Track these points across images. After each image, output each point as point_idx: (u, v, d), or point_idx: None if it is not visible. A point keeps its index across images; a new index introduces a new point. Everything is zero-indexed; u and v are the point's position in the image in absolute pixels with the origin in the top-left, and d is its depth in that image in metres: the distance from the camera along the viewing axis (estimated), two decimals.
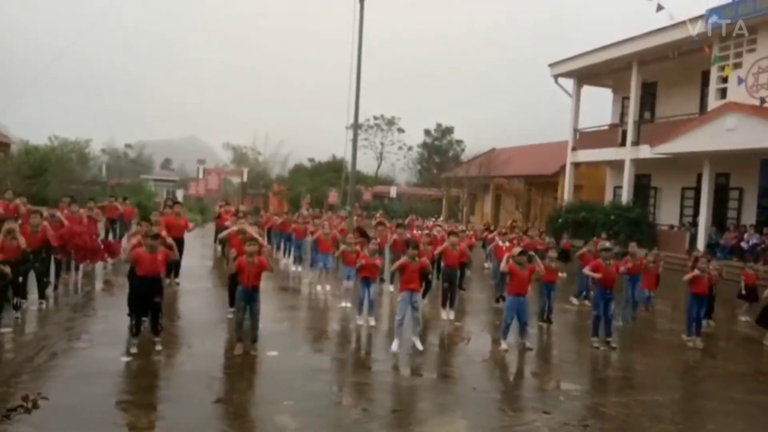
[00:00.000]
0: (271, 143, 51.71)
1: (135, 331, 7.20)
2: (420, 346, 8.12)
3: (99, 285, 11.83)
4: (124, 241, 14.98)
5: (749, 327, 11.23)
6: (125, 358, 6.93)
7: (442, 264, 10.60)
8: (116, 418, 5.39)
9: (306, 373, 6.89)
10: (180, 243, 10.98)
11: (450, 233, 10.99)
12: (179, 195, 38.90)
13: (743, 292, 11.84)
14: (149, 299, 7.24)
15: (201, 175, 35.77)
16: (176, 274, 11.77)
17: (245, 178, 37.50)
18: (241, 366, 7.06)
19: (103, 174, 53.71)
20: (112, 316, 8.79)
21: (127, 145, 75.65)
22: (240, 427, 5.38)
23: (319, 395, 6.22)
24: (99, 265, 12.72)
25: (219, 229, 17.49)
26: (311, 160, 61.74)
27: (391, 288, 12.19)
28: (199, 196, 36.31)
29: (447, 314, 10.12)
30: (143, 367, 6.80)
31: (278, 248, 17.63)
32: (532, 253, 9.38)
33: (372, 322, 9.47)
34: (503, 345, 8.48)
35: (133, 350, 7.04)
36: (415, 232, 15.64)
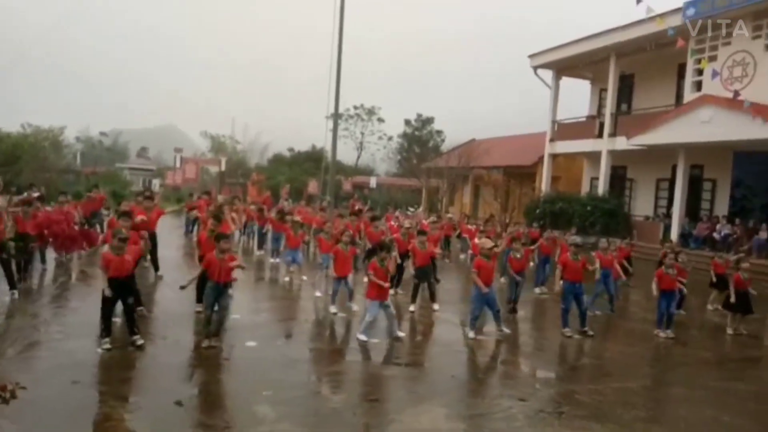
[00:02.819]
0: (250, 132, 51.38)
1: (106, 333, 7.03)
2: (401, 334, 8.19)
3: (74, 275, 11.66)
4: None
5: (718, 315, 11.49)
6: (100, 350, 6.86)
7: (414, 263, 10.60)
8: (92, 410, 5.34)
9: (284, 363, 6.90)
10: (152, 237, 10.88)
11: (419, 232, 10.99)
12: (155, 184, 38.40)
13: (713, 280, 12.11)
14: (123, 300, 7.12)
15: (178, 164, 35.27)
16: (156, 268, 11.66)
17: (223, 168, 37.09)
18: (218, 357, 7.04)
19: (78, 162, 52.75)
20: (87, 307, 8.68)
21: (102, 133, 74.26)
22: (219, 418, 5.37)
23: (297, 385, 6.24)
24: (74, 255, 12.54)
25: (194, 219, 17.32)
26: (291, 149, 61.31)
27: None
28: (176, 185, 35.86)
29: (414, 307, 10.17)
30: (119, 358, 6.74)
31: (251, 238, 17.56)
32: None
33: (355, 308, 9.54)
34: (470, 334, 8.59)
35: (106, 346, 6.93)
36: (392, 223, 15.69)
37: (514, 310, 10.46)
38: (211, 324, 7.39)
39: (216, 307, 7.39)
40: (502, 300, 10.88)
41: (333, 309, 9.53)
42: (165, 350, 7.18)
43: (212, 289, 7.40)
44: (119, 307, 7.27)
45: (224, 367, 6.80)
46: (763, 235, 17.89)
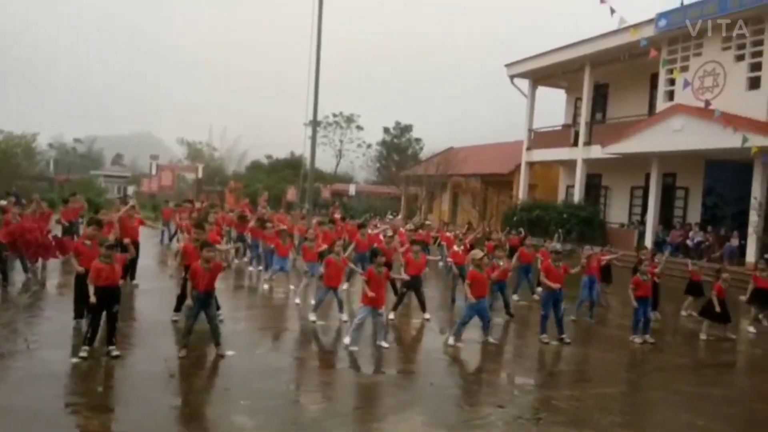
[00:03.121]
0: (228, 139, 51.06)
1: (92, 341, 6.93)
2: (386, 345, 8.18)
3: (48, 284, 11.44)
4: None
5: (692, 321, 11.71)
6: (75, 359, 6.73)
7: (405, 272, 10.57)
8: (67, 421, 5.25)
9: (264, 372, 6.84)
10: (135, 245, 10.76)
11: (412, 242, 11.03)
12: (131, 192, 37.90)
13: (688, 285, 12.36)
14: (108, 309, 7.02)
15: (154, 171, 34.90)
16: (132, 277, 11.50)
17: (200, 175, 36.78)
18: (197, 366, 6.96)
19: (51, 169, 51.86)
20: (60, 316, 8.53)
21: (77, 140, 73.19)
22: (196, 428, 5.31)
23: (277, 394, 6.19)
24: (49, 263, 12.31)
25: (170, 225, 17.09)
26: (269, 156, 61.07)
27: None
28: (152, 192, 35.46)
29: (394, 315, 10.16)
30: (94, 368, 6.62)
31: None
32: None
33: (344, 318, 9.50)
34: (450, 340, 8.62)
35: (83, 354, 6.81)
36: (370, 231, 15.68)
37: (509, 314, 10.65)
38: (211, 334, 7.35)
39: (204, 318, 7.33)
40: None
41: (312, 317, 9.47)
42: (142, 360, 7.07)
43: (197, 299, 7.29)
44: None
45: (201, 376, 6.72)
46: (734, 242, 18.30)
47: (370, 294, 7.98)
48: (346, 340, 8.06)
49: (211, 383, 6.56)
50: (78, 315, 8.07)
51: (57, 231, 13.00)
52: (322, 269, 9.71)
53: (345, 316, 9.56)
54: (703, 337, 10.22)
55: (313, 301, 10.63)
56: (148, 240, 20.03)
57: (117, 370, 6.63)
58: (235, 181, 41.59)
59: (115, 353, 6.95)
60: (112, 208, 15.83)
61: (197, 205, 18.48)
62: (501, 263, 10.36)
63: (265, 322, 9.66)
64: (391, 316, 10.10)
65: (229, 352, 7.42)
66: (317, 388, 6.59)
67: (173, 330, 8.48)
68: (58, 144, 64.25)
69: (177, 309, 8.68)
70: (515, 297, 12.72)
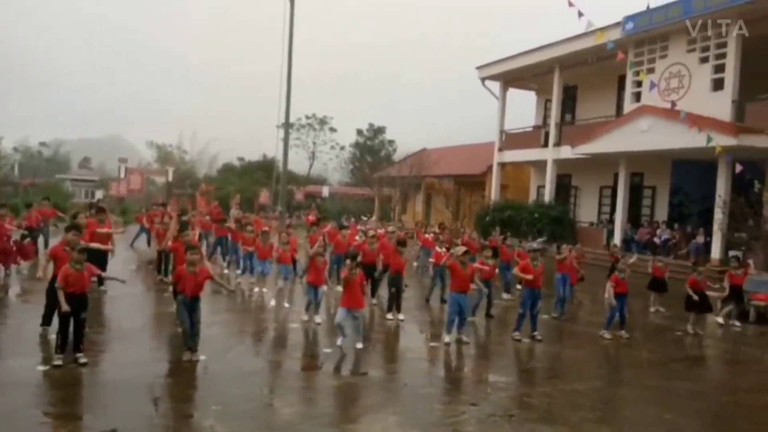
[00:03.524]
0: (199, 142, 50.42)
1: (63, 348, 6.75)
2: (360, 346, 8.18)
3: (12, 291, 11.14)
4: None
5: (660, 317, 11.97)
6: (42, 368, 6.57)
7: (389, 270, 10.63)
8: (35, 430, 5.11)
9: (236, 377, 6.77)
10: (104, 252, 10.56)
11: (398, 242, 11.07)
12: (99, 196, 37.15)
13: (651, 281, 12.68)
14: (76, 316, 6.84)
15: (123, 175, 34.25)
16: (101, 282, 11.26)
17: (170, 178, 36.21)
18: (167, 372, 6.85)
19: (16, 173, 50.51)
20: (26, 323, 8.31)
21: (42, 143, 71.55)
22: None
23: (249, 398, 6.13)
24: (12, 269, 12.00)
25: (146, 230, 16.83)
26: (241, 159, 60.52)
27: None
28: (120, 196, 34.81)
29: (394, 315, 10.20)
30: (62, 376, 6.46)
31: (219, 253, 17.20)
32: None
33: (318, 320, 9.49)
34: (446, 338, 8.71)
35: (57, 362, 6.64)
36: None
37: (489, 316, 10.81)
38: (188, 340, 7.26)
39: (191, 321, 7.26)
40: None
41: (305, 317, 9.55)
42: (113, 366, 6.94)
43: (183, 303, 7.22)
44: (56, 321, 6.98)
45: (173, 382, 6.62)
46: (700, 239, 18.74)
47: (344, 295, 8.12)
48: (339, 341, 8.14)
49: (183, 389, 6.46)
50: (45, 322, 7.88)
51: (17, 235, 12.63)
52: (299, 271, 9.76)
53: (319, 319, 9.55)
54: (690, 330, 10.49)
55: (287, 304, 10.61)
56: (118, 244, 19.70)
57: (85, 378, 6.49)
58: (207, 184, 41.07)
59: (83, 360, 6.80)
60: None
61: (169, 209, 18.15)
62: (490, 262, 10.57)
63: (240, 325, 9.56)
64: (389, 316, 10.12)
65: (201, 357, 7.33)
66: (291, 391, 6.55)
67: (142, 336, 8.35)
68: (23, 148, 62.71)
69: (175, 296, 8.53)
70: (508, 296, 12.85)
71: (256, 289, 12.08)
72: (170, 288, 10.81)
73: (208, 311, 9.98)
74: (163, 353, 7.60)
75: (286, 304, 10.64)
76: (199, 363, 7.14)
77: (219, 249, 15.89)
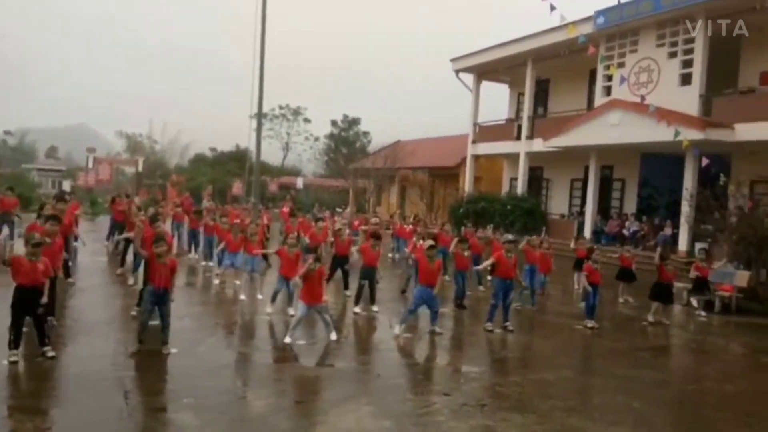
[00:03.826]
0: (170, 131, 49.65)
1: (15, 345, 6.52)
2: (333, 338, 8.16)
3: None
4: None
5: (628, 307, 12.22)
6: (5, 361, 6.42)
7: (362, 262, 10.57)
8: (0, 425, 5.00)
9: (208, 369, 6.71)
10: (66, 243, 10.30)
11: (373, 236, 11.05)
12: (66, 186, 36.30)
13: (619, 271, 12.94)
14: (29, 310, 6.58)
15: (91, 165, 33.48)
16: (68, 274, 11.02)
17: (140, 168, 35.57)
18: (137, 365, 6.76)
19: None
20: None
21: (7, 132, 69.68)
22: (136, 428, 5.16)
23: (222, 391, 6.08)
24: None
25: (118, 223, 16.56)
26: (213, 149, 59.73)
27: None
28: (88, 186, 34.08)
29: (362, 308, 10.18)
30: (27, 370, 6.33)
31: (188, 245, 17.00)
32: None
33: (291, 312, 9.42)
34: (396, 330, 8.73)
35: (13, 359, 6.44)
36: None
37: (462, 306, 10.86)
38: (160, 333, 7.17)
39: (157, 313, 7.17)
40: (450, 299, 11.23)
41: (269, 309, 9.49)
42: (80, 359, 6.82)
43: (151, 294, 7.12)
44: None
45: (144, 375, 6.53)
46: (667, 231, 19.16)
47: (304, 290, 8.03)
48: (287, 338, 7.96)
49: (154, 382, 6.38)
50: None
51: None
52: (263, 264, 9.70)
53: (293, 310, 9.50)
54: (650, 319, 10.74)
55: (260, 296, 10.53)
56: (88, 235, 19.32)
57: (51, 372, 6.36)
58: (178, 175, 40.51)
59: (50, 354, 6.66)
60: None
61: (136, 200, 17.81)
62: (466, 254, 10.69)
63: (212, 318, 9.46)
64: (357, 309, 10.09)
65: (173, 350, 7.24)
66: (264, 383, 6.53)
67: (110, 329, 8.21)
68: None
69: (138, 304, 8.41)
70: (481, 288, 12.96)
71: (237, 282, 11.96)
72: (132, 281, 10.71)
73: (180, 304, 9.89)
74: (133, 346, 7.48)
75: (259, 296, 10.57)
76: (172, 356, 7.07)
77: (190, 240, 15.77)
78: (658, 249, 13.02)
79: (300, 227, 14.50)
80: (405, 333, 8.74)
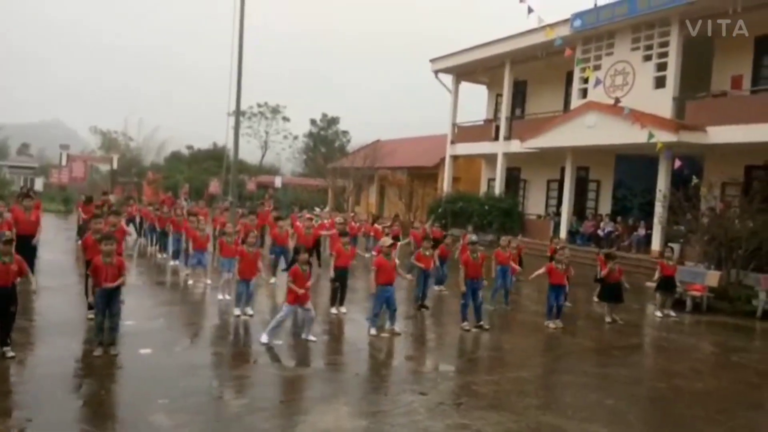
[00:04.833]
0: (146, 128, 49.01)
1: None
2: (313, 339, 8.15)
3: None
4: None
5: (601, 307, 12.37)
6: None
7: (334, 263, 10.49)
8: None
9: (183, 370, 6.65)
10: (30, 239, 10.13)
11: (341, 234, 11.02)
12: (39, 183, 35.62)
13: (598, 276, 13.03)
14: (2, 310, 6.50)
15: (64, 162, 32.92)
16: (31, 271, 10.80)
17: (115, 166, 35.06)
18: (109, 366, 6.65)
19: None
20: None
21: None
22: (109, 429, 5.09)
23: (197, 391, 6.03)
24: None
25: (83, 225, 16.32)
26: (190, 147, 59.11)
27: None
28: (62, 184, 33.50)
29: (337, 309, 10.16)
30: None
31: (153, 242, 16.83)
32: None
33: (250, 312, 9.37)
34: (372, 331, 8.74)
35: None
36: (297, 224, 15.55)
37: (424, 307, 10.82)
38: (105, 332, 7.00)
39: (107, 314, 7.00)
40: (411, 298, 11.25)
41: (237, 312, 9.34)
42: (49, 360, 6.69)
43: (100, 295, 6.98)
44: None
45: (115, 376, 6.43)
46: (641, 231, 19.49)
47: (300, 292, 7.90)
48: (263, 338, 7.90)
49: (127, 383, 6.30)
50: None
51: None
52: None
53: (251, 311, 9.45)
54: (608, 320, 10.87)
55: (228, 296, 10.41)
56: (57, 234, 19.00)
57: (18, 373, 6.24)
58: (154, 173, 40.04)
59: (9, 354, 6.52)
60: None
61: (111, 198, 17.58)
62: (427, 253, 10.72)
63: (185, 318, 9.36)
64: (333, 310, 10.06)
65: (146, 350, 7.15)
66: (240, 383, 6.48)
67: (80, 329, 8.08)
68: None
69: (90, 307, 8.27)
70: (436, 288, 12.96)
71: (191, 281, 11.86)
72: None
73: (152, 303, 9.82)
74: (113, 346, 7.33)
75: (228, 296, 10.42)
76: (145, 357, 6.99)
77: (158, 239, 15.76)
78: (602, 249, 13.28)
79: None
80: (381, 333, 8.76)
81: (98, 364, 6.64)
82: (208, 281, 11.74)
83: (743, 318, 12.02)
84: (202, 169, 45.13)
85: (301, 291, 7.90)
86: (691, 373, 8.14)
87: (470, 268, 9.46)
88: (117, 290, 7.09)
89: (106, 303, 6.99)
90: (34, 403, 5.53)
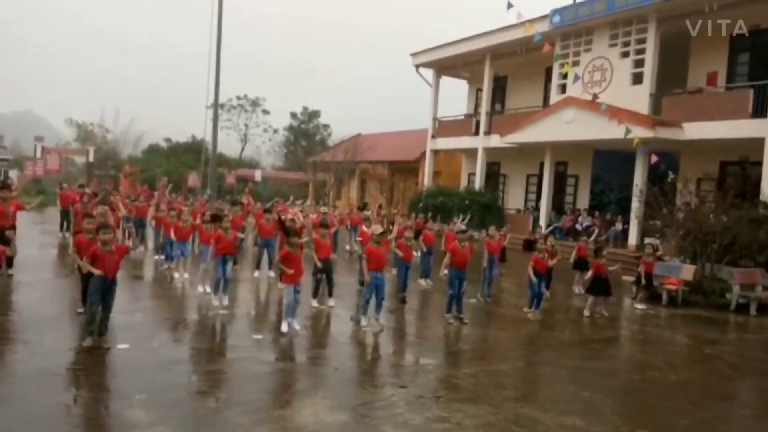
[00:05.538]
0: (123, 120, 48.27)
1: None
2: (297, 327, 8.23)
3: None
4: None
5: (581, 300, 12.54)
6: None
7: (317, 256, 10.43)
8: None
9: (161, 365, 6.59)
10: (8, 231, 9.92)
11: (321, 224, 10.98)
12: (13, 176, 34.92)
13: (575, 260, 13.28)
14: None
15: (39, 154, 32.29)
16: (9, 265, 10.62)
17: (91, 158, 34.45)
18: (86, 361, 6.57)
19: None
20: None
21: None
22: (86, 425, 5.03)
23: (175, 386, 5.99)
24: None
25: (65, 212, 16.09)
26: (168, 140, 58.37)
27: (271, 274, 12.17)
28: (37, 177, 32.88)
29: (321, 302, 10.12)
30: None
31: (129, 235, 16.59)
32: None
33: (225, 302, 9.31)
34: (363, 322, 8.77)
35: None
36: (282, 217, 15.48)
37: (404, 301, 10.82)
38: (98, 324, 6.99)
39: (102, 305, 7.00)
40: (393, 293, 11.26)
41: (215, 302, 9.39)
42: (27, 356, 6.58)
43: (98, 284, 6.92)
44: None
45: (92, 371, 6.36)
46: (618, 226, 19.77)
47: (289, 272, 8.11)
48: (283, 327, 8.11)
49: (104, 378, 6.23)
50: None
51: None
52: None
53: (226, 301, 9.47)
54: (586, 313, 11.01)
55: (208, 289, 10.30)
56: (34, 227, 18.66)
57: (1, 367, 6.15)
58: (131, 166, 39.46)
59: None
60: None
61: (88, 191, 17.28)
62: (409, 244, 10.75)
63: (164, 312, 9.28)
64: (314, 303, 10.03)
65: (124, 345, 7.08)
66: (218, 378, 6.45)
67: (59, 324, 7.96)
68: None
69: (83, 301, 8.16)
70: (422, 282, 13.02)
71: (176, 275, 11.75)
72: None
73: (129, 298, 9.71)
74: (85, 341, 7.26)
75: (207, 289, 10.34)
76: (123, 352, 6.92)
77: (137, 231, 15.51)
78: (591, 242, 13.49)
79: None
80: (361, 324, 8.78)
81: (76, 360, 6.56)
82: (186, 275, 11.61)
83: (717, 311, 12.27)
84: (181, 163, 44.65)
85: (291, 271, 8.10)
86: (666, 365, 8.29)
87: (457, 257, 9.52)
88: (114, 282, 7.07)
89: (103, 294, 6.96)
90: (9, 398, 5.45)
